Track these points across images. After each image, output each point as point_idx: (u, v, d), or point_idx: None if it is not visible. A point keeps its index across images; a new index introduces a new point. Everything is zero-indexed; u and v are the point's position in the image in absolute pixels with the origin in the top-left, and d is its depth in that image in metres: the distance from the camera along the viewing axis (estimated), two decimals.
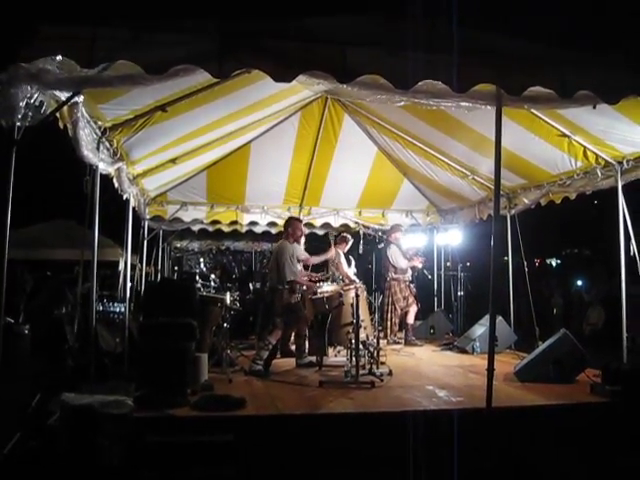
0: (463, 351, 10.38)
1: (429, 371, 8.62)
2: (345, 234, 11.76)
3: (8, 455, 4.98)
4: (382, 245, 11.71)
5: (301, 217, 12.73)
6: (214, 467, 5.13)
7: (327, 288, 9.10)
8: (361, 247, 9.66)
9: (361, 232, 10.09)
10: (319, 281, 9.33)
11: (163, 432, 5.35)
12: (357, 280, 10.22)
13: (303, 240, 9.51)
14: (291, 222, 9.23)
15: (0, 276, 4.70)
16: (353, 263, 11.59)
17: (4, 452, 4.94)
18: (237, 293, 10.12)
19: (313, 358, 8.76)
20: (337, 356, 9.21)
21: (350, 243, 11.55)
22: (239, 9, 4.85)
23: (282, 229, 12.03)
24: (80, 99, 5.28)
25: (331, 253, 9.28)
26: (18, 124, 4.61)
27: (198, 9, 4.81)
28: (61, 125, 5.39)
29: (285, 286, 8.43)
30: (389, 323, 11.58)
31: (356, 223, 12.94)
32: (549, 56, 5.28)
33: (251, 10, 4.86)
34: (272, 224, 13.36)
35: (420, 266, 12.02)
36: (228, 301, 8.68)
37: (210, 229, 13.71)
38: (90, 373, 6.57)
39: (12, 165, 4.73)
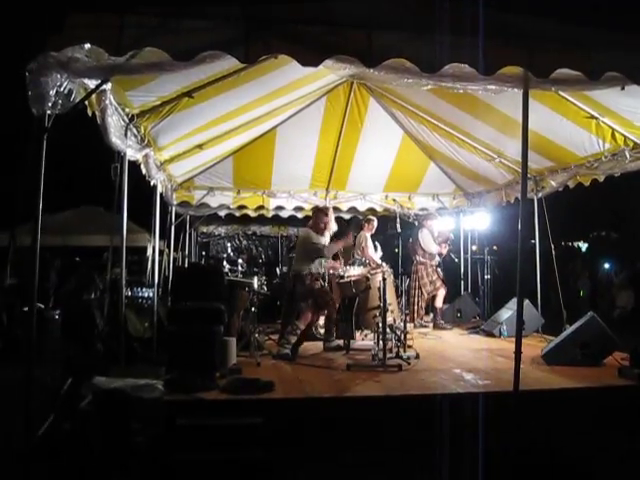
0: (490, 334, 10.36)
1: (456, 354, 8.62)
2: (370, 217, 11.76)
3: (42, 437, 5.08)
4: (416, 227, 11.70)
5: (328, 201, 12.78)
6: (243, 450, 5.19)
7: (354, 272, 9.12)
8: (398, 226, 9.60)
9: (398, 212, 10.04)
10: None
11: (193, 415, 5.42)
12: (383, 264, 10.20)
13: (335, 228, 9.40)
14: (315, 213, 9.14)
15: (33, 262, 4.78)
16: (379, 247, 11.58)
17: (38, 434, 5.04)
18: (264, 278, 10.17)
19: (340, 342, 8.80)
20: (364, 340, 9.25)
21: (375, 225, 11.55)
22: None
23: (309, 213, 12.12)
24: (108, 86, 5.34)
25: (347, 240, 9.22)
26: (48, 112, 4.67)
27: None
28: (90, 112, 5.44)
29: (309, 272, 8.44)
30: (416, 307, 11.61)
31: (394, 200, 12.83)
32: (576, 37, 5.23)
33: None
34: (298, 209, 13.40)
35: (445, 253, 12.00)
36: (256, 285, 8.73)
37: (237, 214, 13.81)
38: (120, 358, 6.66)
39: (43, 152, 4.79)
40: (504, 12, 5.06)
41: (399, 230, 9.61)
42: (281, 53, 4.83)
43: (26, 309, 5.03)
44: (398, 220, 9.58)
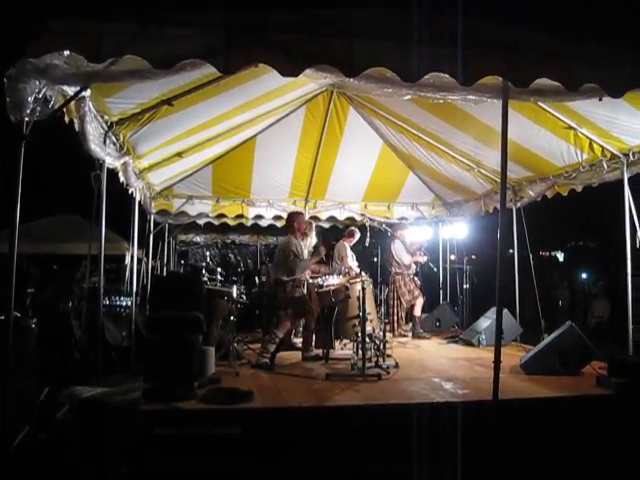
0: (469, 344, 10.39)
1: (435, 364, 8.64)
2: (353, 228, 11.77)
3: (17, 448, 5.02)
4: (388, 238, 11.73)
5: (307, 210, 12.80)
6: (222, 460, 5.15)
7: (333, 281, 9.11)
8: (367, 240, 9.70)
9: (367, 224, 10.11)
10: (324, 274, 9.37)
11: (171, 425, 5.37)
12: (362, 273, 10.21)
13: (314, 235, 9.50)
14: (295, 217, 9.19)
15: (10, 271, 4.73)
16: (354, 257, 11.59)
17: (13, 445, 4.98)
18: (243, 287, 10.15)
19: (319, 351, 8.77)
20: (343, 349, 9.24)
21: (357, 237, 11.57)
22: (246, 2, 4.84)
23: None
24: (87, 93, 5.30)
25: (320, 255, 9.30)
26: (26, 119, 4.63)
27: (205, 2, 4.80)
28: (68, 120, 5.40)
29: (290, 279, 8.43)
30: (395, 317, 11.61)
31: (362, 215, 12.90)
32: (556, 48, 5.27)
33: (258, 3, 4.85)
34: (278, 217, 13.35)
35: (423, 261, 12.04)
36: (235, 294, 8.70)
37: (216, 223, 13.75)
38: (97, 367, 6.60)
39: (21, 160, 4.75)
40: (485, 22, 5.09)
41: (367, 244, 9.66)
42: (261, 62, 4.82)
43: (2, 317, 4.97)
44: (368, 233, 9.61)
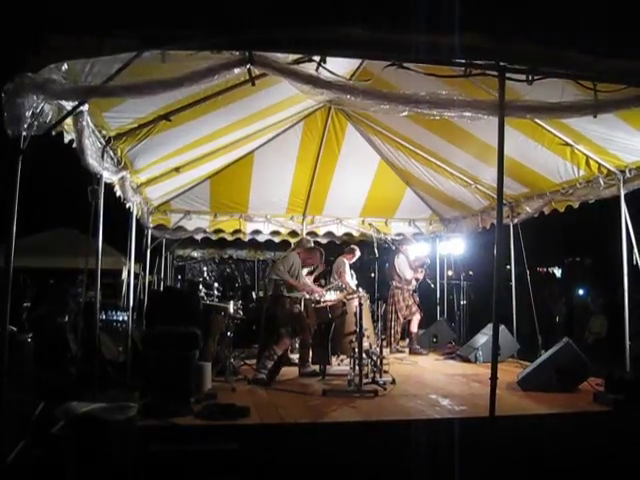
0: (466, 360, 10.36)
1: (432, 380, 8.62)
2: (354, 246, 11.75)
3: (12, 463, 4.98)
4: (393, 252, 11.73)
5: (304, 226, 12.84)
6: (219, 476, 5.13)
7: (330, 297, 9.09)
8: (377, 252, 9.68)
9: (375, 236, 10.07)
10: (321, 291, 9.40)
11: (167, 441, 5.34)
12: (360, 289, 10.19)
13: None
14: (315, 252, 9.24)
15: (6, 284, 4.71)
16: (354, 276, 11.58)
17: (7, 460, 4.94)
18: (240, 302, 10.13)
19: (316, 367, 8.75)
20: (340, 365, 9.22)
21: (358, 255, 11.56)
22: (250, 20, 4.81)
23: (285, 238, 12.17)
24: (85, 108, 5.30)
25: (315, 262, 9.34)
26: (24, 133, 4.62)
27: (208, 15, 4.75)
28: (66, 134, 5.40)
29: (289, 295, 8.42)
30: (392, 332, 11.60)
31: (370, 225, 12.83)
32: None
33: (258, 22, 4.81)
34: (275, 233, 13.36)
35: (421, 278, 12.02)
36: (231, 310, 8.68)
37: (213, 238, 13.70)
38: (93, 382, 6.56)
39: (18, 174, 4.74)
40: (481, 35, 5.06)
41: (377, 255, 9.65)
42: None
43: None
44: (375, 245, 9.61)
